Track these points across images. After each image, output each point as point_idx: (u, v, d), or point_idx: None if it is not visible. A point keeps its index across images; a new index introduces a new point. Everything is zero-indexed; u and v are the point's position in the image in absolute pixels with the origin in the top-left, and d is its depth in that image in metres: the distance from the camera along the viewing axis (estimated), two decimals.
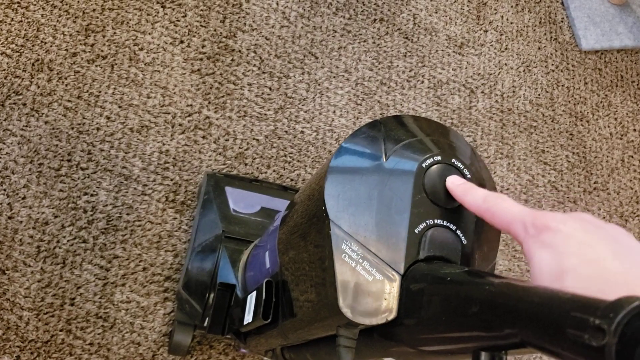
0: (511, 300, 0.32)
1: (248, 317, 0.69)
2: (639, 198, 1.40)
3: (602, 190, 1.38)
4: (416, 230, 0.46)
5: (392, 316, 0.44)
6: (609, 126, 1.45)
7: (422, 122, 0.54)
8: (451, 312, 0.37)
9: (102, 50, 1.12)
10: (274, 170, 1.15)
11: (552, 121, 1.40)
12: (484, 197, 0.44)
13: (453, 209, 0.48)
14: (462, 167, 0.49)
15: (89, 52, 1.12)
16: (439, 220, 0.47)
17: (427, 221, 0.47)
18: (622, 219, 1.37)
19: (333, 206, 0.48)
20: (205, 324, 0.89)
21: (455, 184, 0.47)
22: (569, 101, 1.44)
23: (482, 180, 0.51)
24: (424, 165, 0.48)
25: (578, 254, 0.35)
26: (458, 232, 0.47)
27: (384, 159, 0.49)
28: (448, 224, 0.47)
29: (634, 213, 1.38)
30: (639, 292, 0.31)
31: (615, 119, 1.47)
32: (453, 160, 0.49)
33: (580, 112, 1.44)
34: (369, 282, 0.45)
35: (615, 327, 0.24)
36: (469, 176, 0.49)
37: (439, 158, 0.48)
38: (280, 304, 0.63)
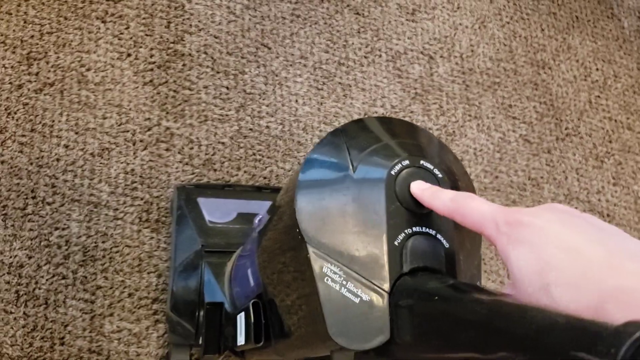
0: (506, 323, 0.30)
1: (240, 339, 0.68)
2: (611, 137, 1.41)
3: (574, 135, 1.38)
4: (396, 242, 0.45)
5: (385, 338, 0.43)
6: (571, 69, 1.44)
7: (385, 124, 0.52)
8: (443, 333, 0.36)
9: (48, 78, 1.08)
10: (245, 172, 1.12)
11: (515, 74, 1.39)
12: (451, 198, 0.42)
13: (429, 213, 0.46)
14: (432, 167, 0.47)
15: (35, 81, 1.07)
16: (417, 228, 0.45)
17: (406, 230, 0.45)
18: (598, 161, 1.37)
19: (307, 228, 0.46)
20: (200, 341, 0.88)
21: (420, 189, 0.45)
22: (529, 51, 1.43)
23: (455, 175, 0.49)
24: (392, 172, 0.46)
25: (557, 245, 0.34)
26: (438, 236, 0.46)
27: (352, 170, 0.47)
28: (427, 230, 0.46)
29: (609, 153, 1.39)
30: (624, 275, 0.30)
31: (577, 61, 1.46)
32: (422, 162, 0.47)
33: (542, 59, 1.43)
34: (357, 304, 0.44)
35: None
36: (440, 175, 0.47)
37: (407, 162, 0.47)
38: (270, 325, 0.61)
